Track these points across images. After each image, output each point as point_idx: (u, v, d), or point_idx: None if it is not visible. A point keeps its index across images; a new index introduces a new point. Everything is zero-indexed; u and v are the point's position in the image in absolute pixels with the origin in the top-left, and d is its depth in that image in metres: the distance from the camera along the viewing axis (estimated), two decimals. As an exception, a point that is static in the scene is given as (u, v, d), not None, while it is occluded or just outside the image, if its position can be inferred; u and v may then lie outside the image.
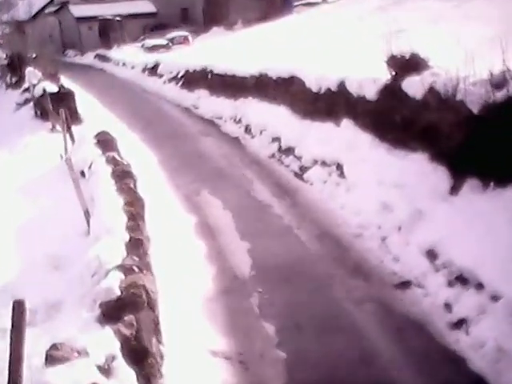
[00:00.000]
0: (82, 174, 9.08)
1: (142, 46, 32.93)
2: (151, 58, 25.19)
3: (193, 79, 18.13)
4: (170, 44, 32.22)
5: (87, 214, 7.06)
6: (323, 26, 19.12)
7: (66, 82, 28.01)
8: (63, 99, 14.11)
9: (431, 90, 7.66)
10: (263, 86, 13.28)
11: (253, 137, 12.67)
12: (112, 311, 4.45)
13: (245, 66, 14.67)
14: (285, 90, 12.20)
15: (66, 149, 10.26)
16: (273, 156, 11.31)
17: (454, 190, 7.05)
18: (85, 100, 20.54)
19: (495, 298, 5.29)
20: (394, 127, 8.60)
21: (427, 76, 7.84)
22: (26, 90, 16.03)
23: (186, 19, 45.54)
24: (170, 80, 20.33)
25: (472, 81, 6.76)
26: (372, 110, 9.18)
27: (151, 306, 5.03)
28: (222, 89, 15.79)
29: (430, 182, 7.36)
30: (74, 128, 13.64)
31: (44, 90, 13.76)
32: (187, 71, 18.74)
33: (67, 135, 10.88)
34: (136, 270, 5.10)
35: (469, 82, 6.92)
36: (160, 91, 20.37)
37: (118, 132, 14.26)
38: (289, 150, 10.97)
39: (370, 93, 9.12)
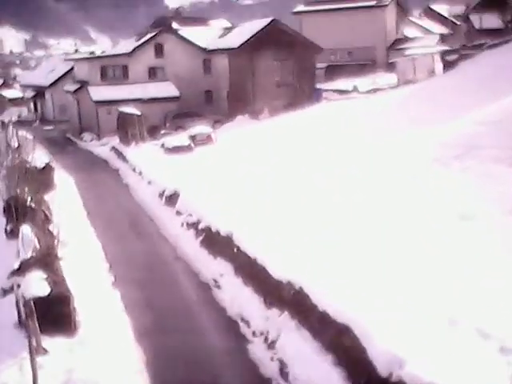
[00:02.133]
0: None
1: (162, 145, 30.54)
2: (170, 177, 22.67)
3: (215, 241, 15.30)
4: (192, 145, 29.75)
5: None
6: (364, 174, 16.36)
7: (71, 185, 26.13)
8: (53, 305, 11.37)
9: None
10: (305, 310, 10.37)
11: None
12: None
13: (280, 261, 11.84)
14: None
15: None
16: None
17: None
18: (86, 240, 17.98)
19: None
20: None
21: None
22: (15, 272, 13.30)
23: (210, 102, 43.61)
24: (189, 226, 17.51)
25: None
26: None
27: None
28: (249, 276, 12.89)
29: None
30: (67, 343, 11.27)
31: (27, 299, 10.95)
32: (209, 228, 15.96)
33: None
34: None
35: None
36: (178, 240, 17.46)
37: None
38: None
39: None
